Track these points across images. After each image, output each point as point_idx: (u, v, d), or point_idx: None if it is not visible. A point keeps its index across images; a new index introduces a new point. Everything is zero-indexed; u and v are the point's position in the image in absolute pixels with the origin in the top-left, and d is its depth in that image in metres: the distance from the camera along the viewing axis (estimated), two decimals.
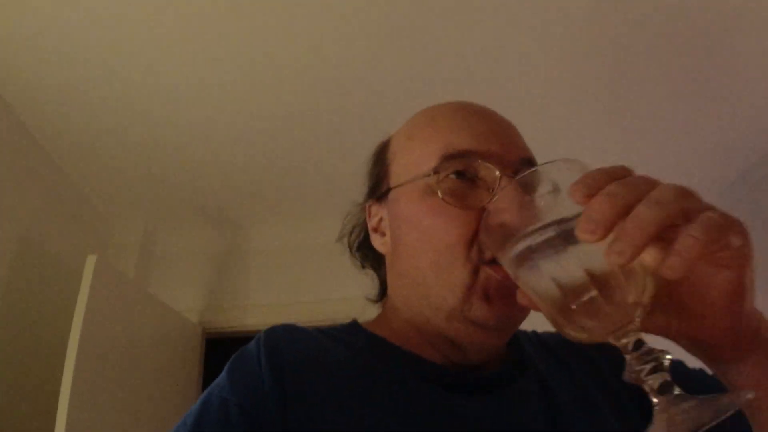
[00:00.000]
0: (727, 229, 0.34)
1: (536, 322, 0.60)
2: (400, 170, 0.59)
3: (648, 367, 0.34)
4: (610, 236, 0.33)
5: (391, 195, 0.59)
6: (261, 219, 2.74)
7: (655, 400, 0.34)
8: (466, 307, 0.51)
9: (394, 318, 0.60)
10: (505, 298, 0.49)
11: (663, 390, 0.34)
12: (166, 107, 1.93)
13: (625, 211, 0.33)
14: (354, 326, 0.61)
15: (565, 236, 0.36)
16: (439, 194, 0.52)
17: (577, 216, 0.34)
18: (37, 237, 1.99)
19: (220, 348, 2.03)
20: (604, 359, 0.61)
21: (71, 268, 2.07)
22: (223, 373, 0.52)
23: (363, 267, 0.70)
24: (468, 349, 0.55)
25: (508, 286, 0.46)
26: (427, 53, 1.77)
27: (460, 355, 0.55)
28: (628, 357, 0.36)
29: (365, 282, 0.70)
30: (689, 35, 1.75)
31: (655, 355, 0.35)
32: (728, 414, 0.31)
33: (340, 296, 2.22)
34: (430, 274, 0.53)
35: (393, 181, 0.60)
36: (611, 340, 0.36)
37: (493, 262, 0.49)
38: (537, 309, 0.42)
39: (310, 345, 0.55)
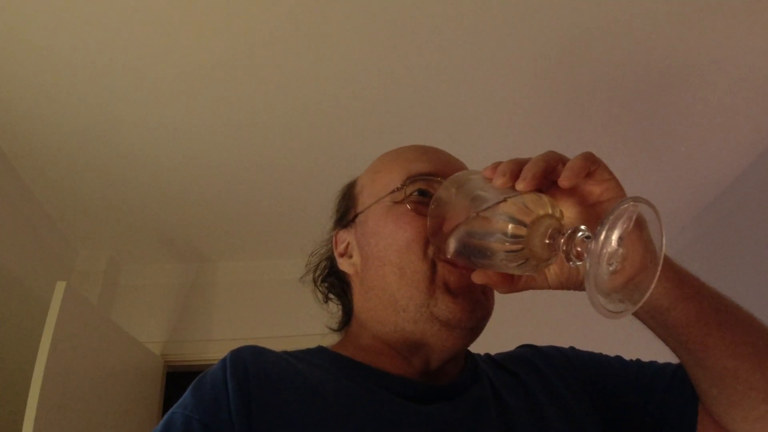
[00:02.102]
0: (597, 162, 0.48)
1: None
2: (366, 198, 0.65)
3: (574, 245, 0.43)
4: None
5: (360, 218, 0.65)
6: (227, 254, 2.76)
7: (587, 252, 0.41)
8: (432, 302, 0.56)
9: (361, 335, 0.64)
10: (467, 291, 0.56)
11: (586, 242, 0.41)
12: (138, 141, 1.98)
13: (522, 166, 0.48)
14: (320, 349, 0.63)
15: (499, 194, 0.48)
16: (408, 206, 0.59)
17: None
18: (3, 260, 1.99)
19: (180, 381, 2.03)
20: (550, 370, 0.68)
21: (36, 293, 2.07)
22: (187, 392, 0.51)
23: (326, 301, 0.73)
24: (432, 353, 0.58)
25: (467, 276, 0.53)
26: (400, 94, 1.88)
27: (424, 359, 0.59)
28: (563, 243, 0.43)
29: (328, 319, 0.73)
30: (639, 85, 1.90)
31: (573, 233, 0.43)
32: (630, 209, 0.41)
33: (303, 333, 2.24)
34: (394, 278, 0.58)
35: (360, 208, 0.66)
36: (554, 248, 0.44)
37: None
38: (492, 282, 0.51)
39: (276, 364, 0.55)
